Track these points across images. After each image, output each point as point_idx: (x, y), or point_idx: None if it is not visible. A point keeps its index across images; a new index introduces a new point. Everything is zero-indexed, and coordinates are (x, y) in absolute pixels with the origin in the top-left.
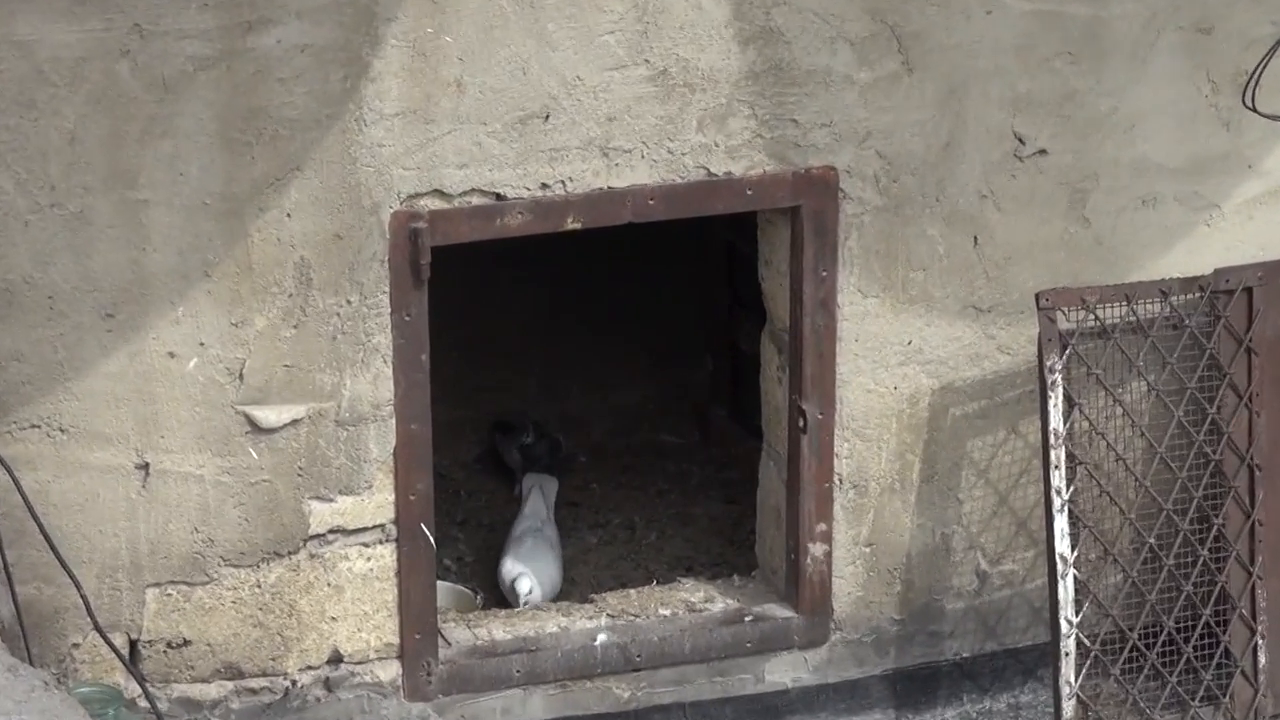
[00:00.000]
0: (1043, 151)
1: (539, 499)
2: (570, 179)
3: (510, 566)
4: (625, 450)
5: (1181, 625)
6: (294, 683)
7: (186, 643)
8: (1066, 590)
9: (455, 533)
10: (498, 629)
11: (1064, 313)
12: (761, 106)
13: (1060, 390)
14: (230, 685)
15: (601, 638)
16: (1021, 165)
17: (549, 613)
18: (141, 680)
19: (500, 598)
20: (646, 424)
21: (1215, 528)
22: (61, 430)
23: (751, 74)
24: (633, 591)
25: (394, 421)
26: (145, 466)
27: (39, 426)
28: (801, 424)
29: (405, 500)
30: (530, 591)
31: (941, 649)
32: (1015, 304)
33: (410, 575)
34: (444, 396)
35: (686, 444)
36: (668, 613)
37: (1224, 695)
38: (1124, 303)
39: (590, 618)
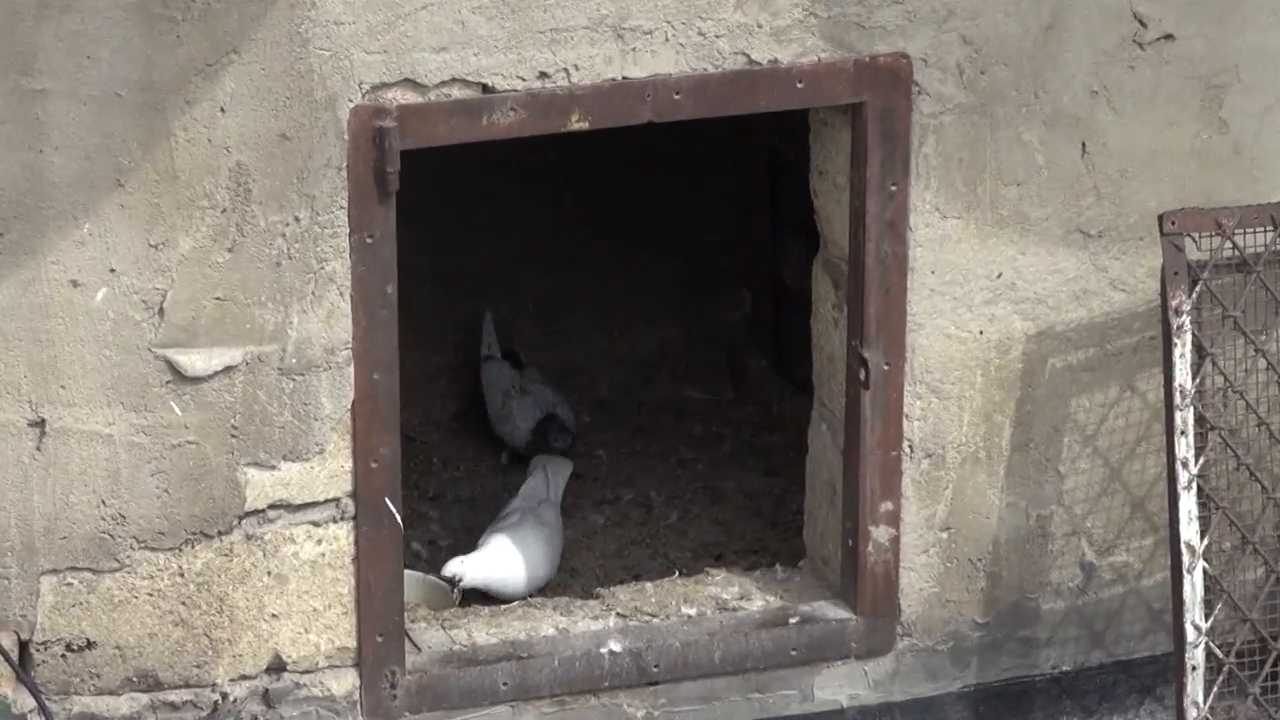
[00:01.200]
0: (1169, 36)
1: (541, 479)
2: (575, 67)
3: (479, 554)
4: (640, 408)
5: None
6: (224, 696)
7: (91, 645)
8: (1194, 588)
9: (427, 510)
10: (480, 631)
11: (1194, 239)
12: None
13: (1188, 337)
14: (145, 698)
15: (610, 644)
16: (1142, 54)
17: (544, 610)
18: (35, 691)
19: (484, 593)
20: (667, 375)
21: None
22: None
23: None
24: (649, 585)
25: (352, 369)
26: (40, 424)
27: None
28: (863, 377)
29: (365, 468)
30: (457, 577)
31: (1036, 660)
32: (1133, 228)
33: (371, 562)
34: (415, 339)
35: (717, 401)
36: (692, 612)
37: None
38: (1270, 227)
39: (596, 618)
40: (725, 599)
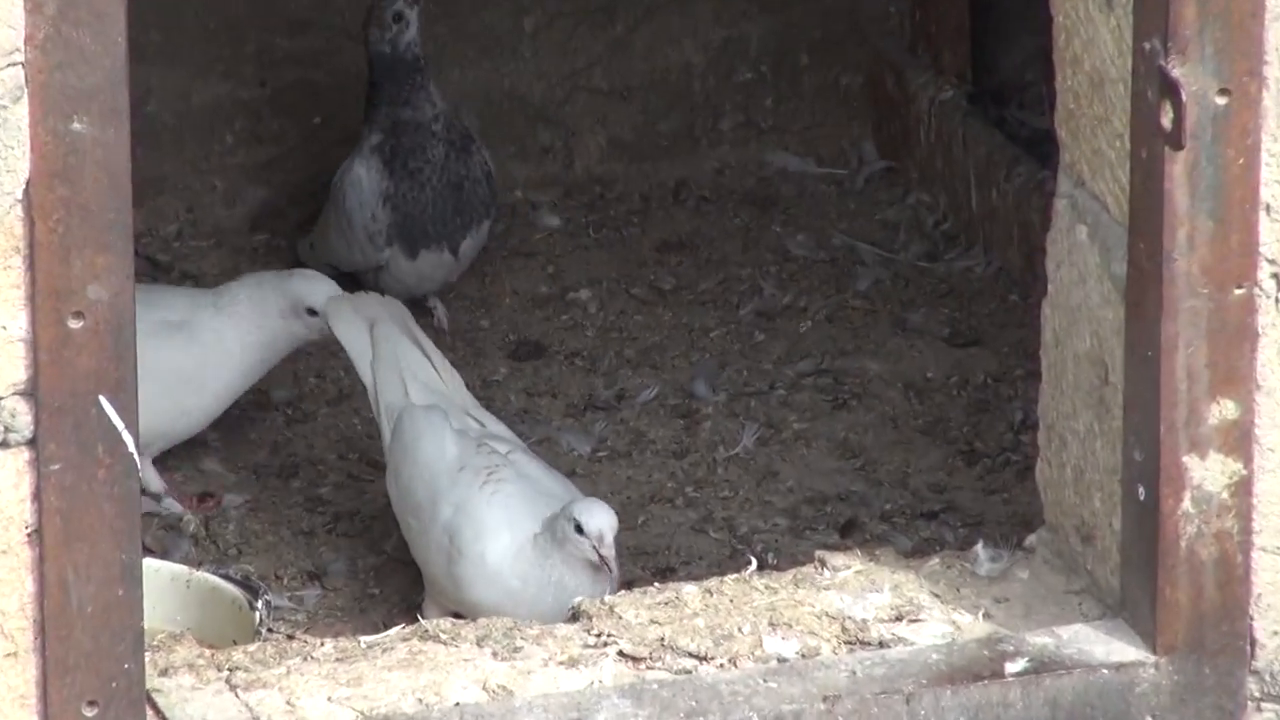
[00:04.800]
0: None
1: (391, 367)
2: None
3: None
4: (677, 189)
5: None
6: None
7: None
8: None
9: (209, 438)
10: (312, 691)
11: None
12: None
13: None
14: None
15: None
16: None
17: (461, 643)
18: None
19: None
20: (715, 94)
21: None
22: None
23: None
24: (687, 589)
25: (25, 110)
26: None
27: None
28: (1171, 121)
29: (55, 333)
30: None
31: None
32: None
33: (70, 541)
34: (196, 52)
35: (836, 177)
36: (789, 652)
37: None
38: None
39: (572, 661)
40: (860, 620)
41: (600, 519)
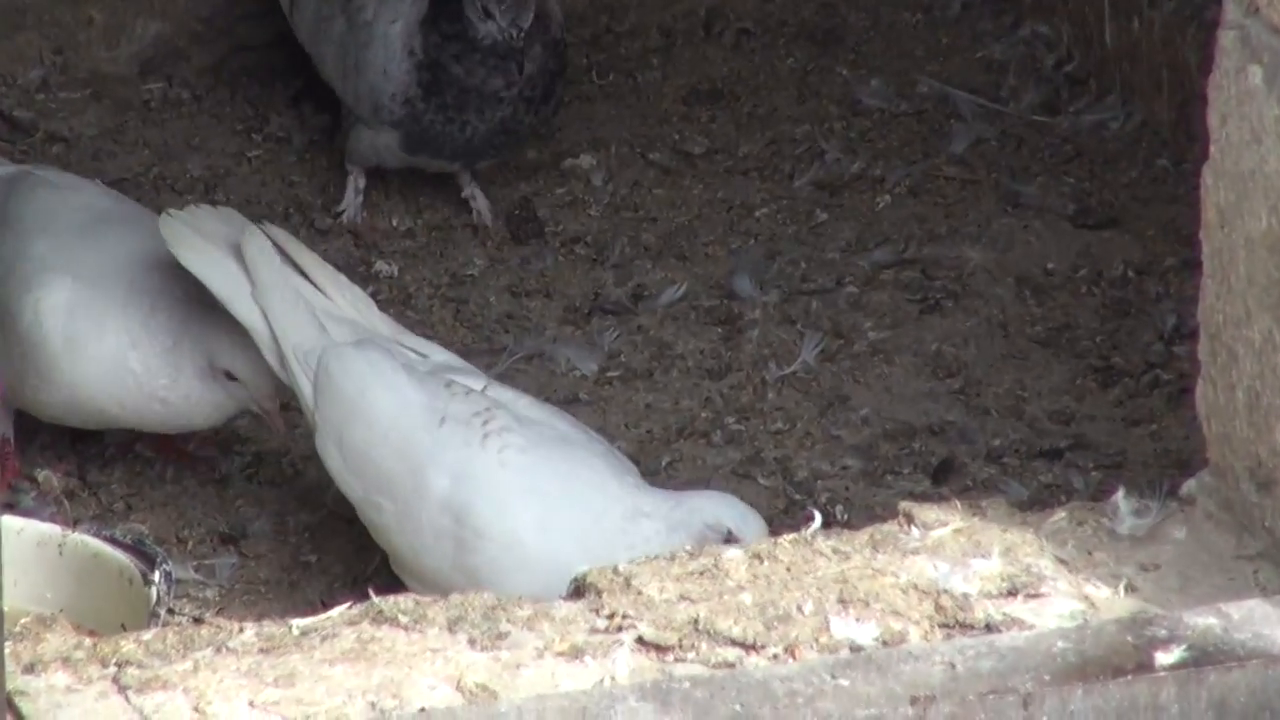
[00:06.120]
0: None
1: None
2: None
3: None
4: (695, 24)
5: None
6: None
7: None
8: None
9: None
10: (228, 693)
11: None
12: None
13: None
14: None
15: None
16: None
17: (429, 628)
18: None
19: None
20: None
21: None
22: None
23: None
24: (726, 556)
25: None
26: None
27: None
28: None
29: None
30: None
31: None
32: None
33: None
34: None
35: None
36: (865, 639)
37: None
38: None
39: (578, 652)
40: (960, 596)
41: (756, 529)
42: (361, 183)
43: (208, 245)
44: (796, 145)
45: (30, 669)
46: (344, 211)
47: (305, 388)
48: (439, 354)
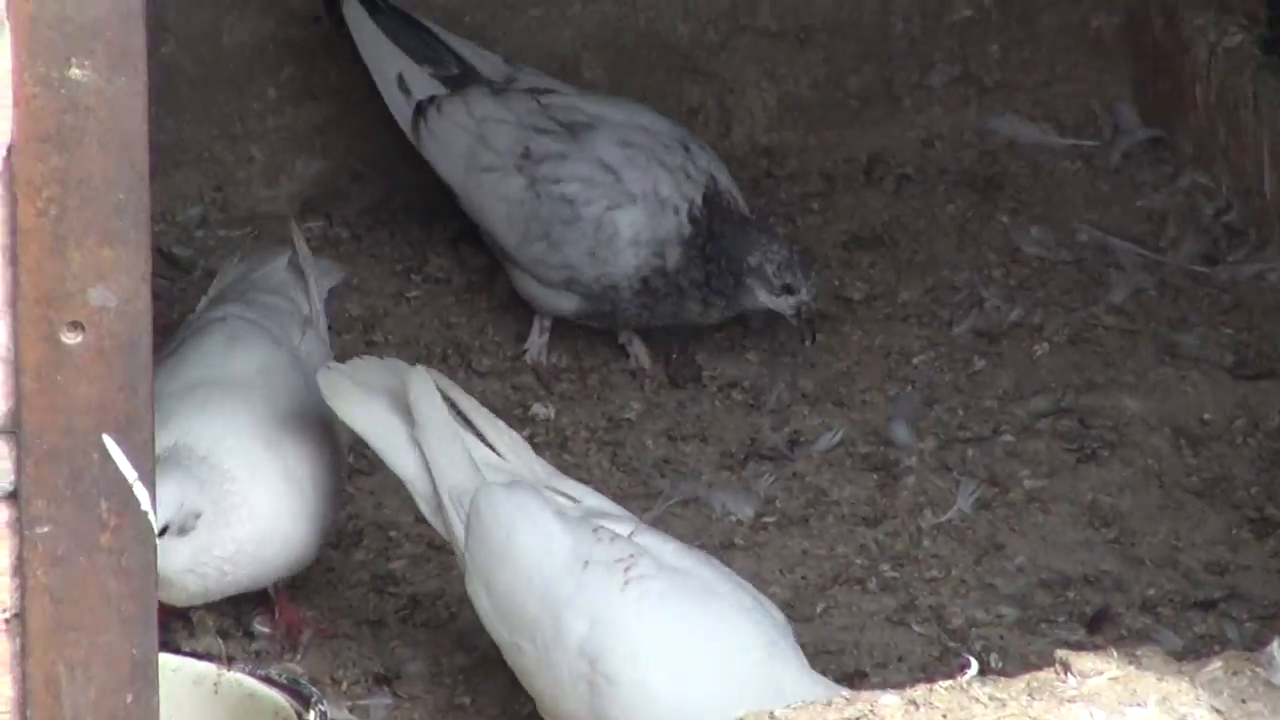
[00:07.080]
0: None
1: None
2: None
3: None
4: (856, 170)
5: None
6: None
7: None
8: None
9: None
10: None
11: None
12: None
13: None
14: None
15: None
16: None
17: None
18: None
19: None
20: (922, 38)
21: None
22: None
23: None
24: (885, 700)
25: (4, 50)
26: None
27: None
28: None
29: (44, 346)
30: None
31: None
32: None
33: (59, 629)
34: None
35: (1083, 150)
36: None
37: None
38: None
39: None
40: None
41: None
42: (548, 323)
43: (365, 395)
44: (956, 292)
45: None
46: (527, 350)
47: (459, 530)
48: (591, 498)
